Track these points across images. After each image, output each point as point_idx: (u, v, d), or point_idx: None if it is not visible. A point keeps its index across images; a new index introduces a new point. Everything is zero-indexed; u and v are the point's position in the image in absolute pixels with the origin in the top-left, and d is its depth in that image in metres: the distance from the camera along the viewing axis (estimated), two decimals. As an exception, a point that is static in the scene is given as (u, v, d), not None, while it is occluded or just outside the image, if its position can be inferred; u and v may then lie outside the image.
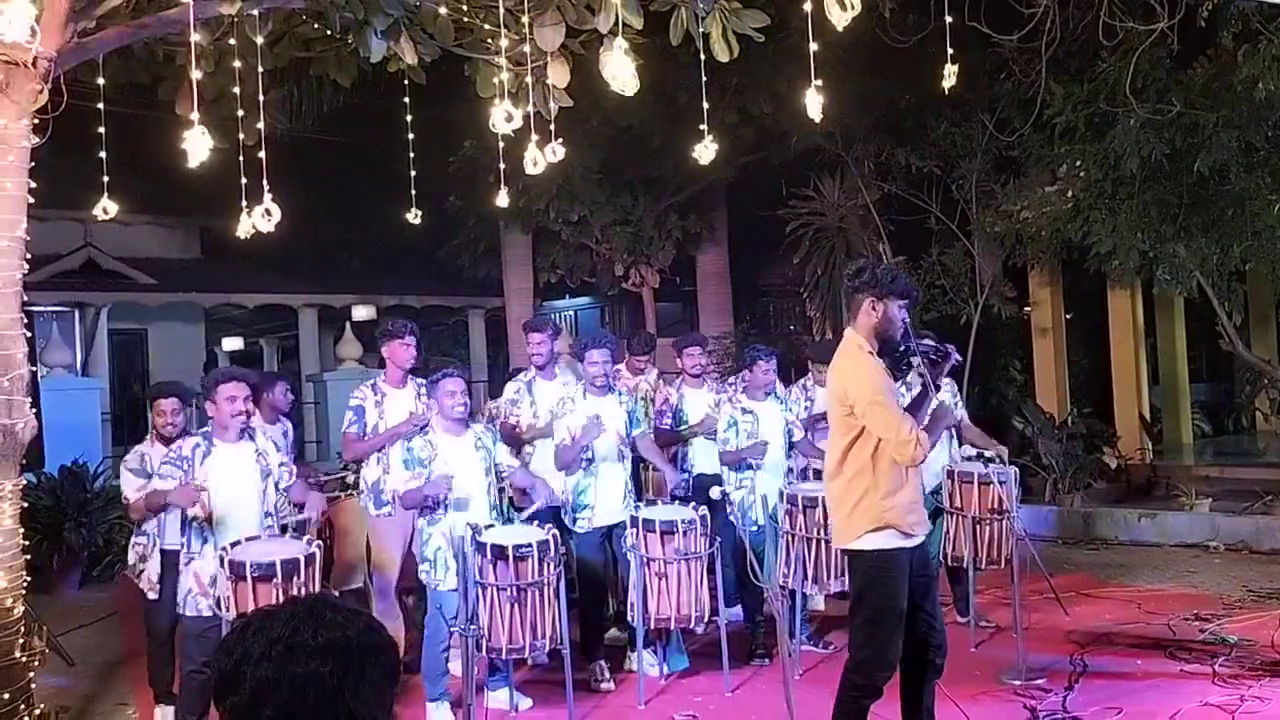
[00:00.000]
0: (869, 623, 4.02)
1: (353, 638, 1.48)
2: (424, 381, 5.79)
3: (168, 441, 5.29)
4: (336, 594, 5.72)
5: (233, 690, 1.46)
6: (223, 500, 4.79)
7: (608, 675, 5.74)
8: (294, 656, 1.45)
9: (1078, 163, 9.49)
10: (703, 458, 6.73)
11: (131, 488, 5.39)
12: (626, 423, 6.02)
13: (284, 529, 5.12)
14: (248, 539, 4.67)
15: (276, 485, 5.02)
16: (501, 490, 5.91)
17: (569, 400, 5.97)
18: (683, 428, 6.80)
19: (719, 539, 5.69)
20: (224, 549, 4.58)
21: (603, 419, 5.80)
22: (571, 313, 18.82)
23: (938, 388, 4.26)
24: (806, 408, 7.04)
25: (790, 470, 6.46)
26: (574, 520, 5.88)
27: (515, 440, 6.17)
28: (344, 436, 6.02)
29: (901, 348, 4.17)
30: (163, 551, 5.33)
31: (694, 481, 6.46)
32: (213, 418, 4.92)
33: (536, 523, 5.30)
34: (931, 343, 4.34)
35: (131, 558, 5.62)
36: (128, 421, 15.45)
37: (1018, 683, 5.40)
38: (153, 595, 5.43)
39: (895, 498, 4.02)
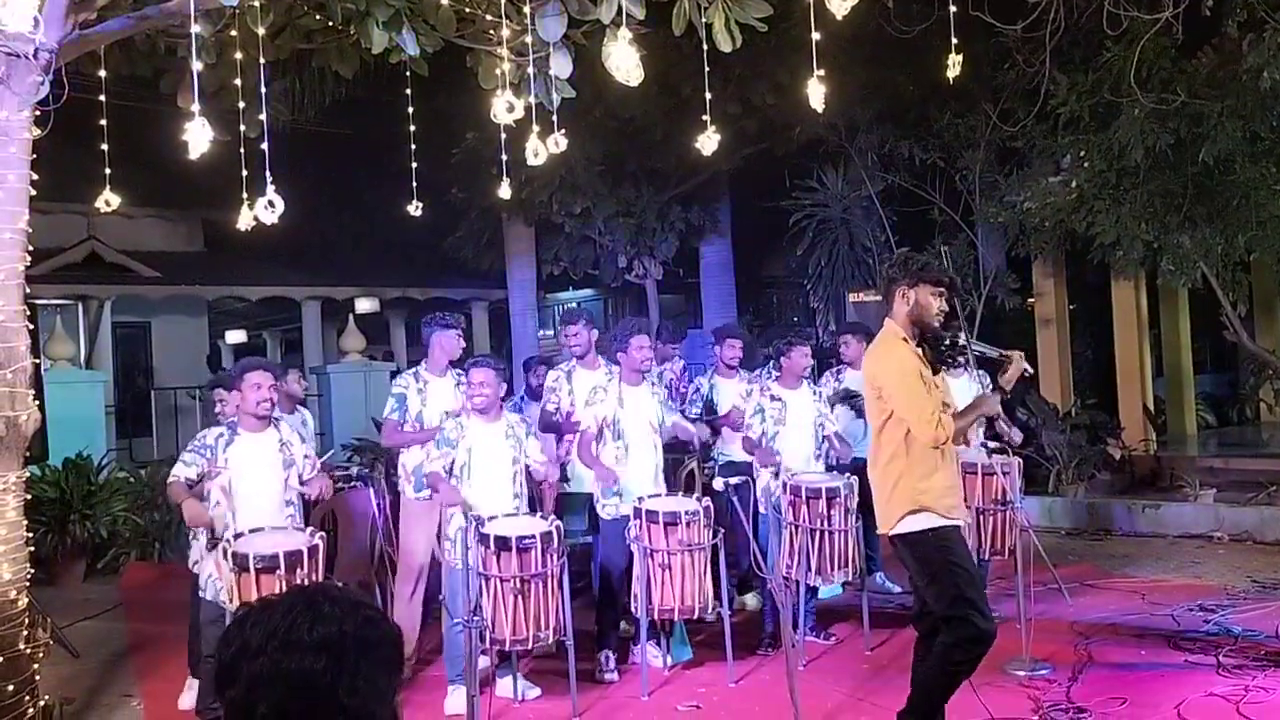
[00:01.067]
0: (957, 600, 3.98)
1: (349, 632, 1.47)
2: (462, 371, 5.89)
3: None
4: (340, 585, 5.73)
5: (230, 684, 1.45)
6: (244, 488, 4.83)
7: (613, 666, 5.74)
8: (288, 652, 1.43)
9: (1082, 153, 9.44)
10: (734, 445, 6.78)
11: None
12: (659, 411, 6.03)
13: None
14: (252, 530, 4.69)
15: (301, 477, 5.04)
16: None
17: (601, 389, 5.99)
18: (711, 418, 6.89)
19: (721, 531, 5.68)
20: (228, 540, 4.59)
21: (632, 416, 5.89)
22: (574, 305, 18.80)
23: (996, 386, 4.27)
24: (835, 388, 7.12)
25: (819, 456, 6.46)
26: (603, 507, 5.87)
27: (552, 427, 6.22)
28: (386, 422, 6.12)
29: (947, 340, 4.19)
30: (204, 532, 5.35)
31: (723, 469, 6.50)
32: (238, 406, 4.98)
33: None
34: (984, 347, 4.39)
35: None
36: (131, 414, 15.47)
37: (1022, 673, 5.41)
38: (196, 570, 5.41)
39: (930, 480, 4.04)
